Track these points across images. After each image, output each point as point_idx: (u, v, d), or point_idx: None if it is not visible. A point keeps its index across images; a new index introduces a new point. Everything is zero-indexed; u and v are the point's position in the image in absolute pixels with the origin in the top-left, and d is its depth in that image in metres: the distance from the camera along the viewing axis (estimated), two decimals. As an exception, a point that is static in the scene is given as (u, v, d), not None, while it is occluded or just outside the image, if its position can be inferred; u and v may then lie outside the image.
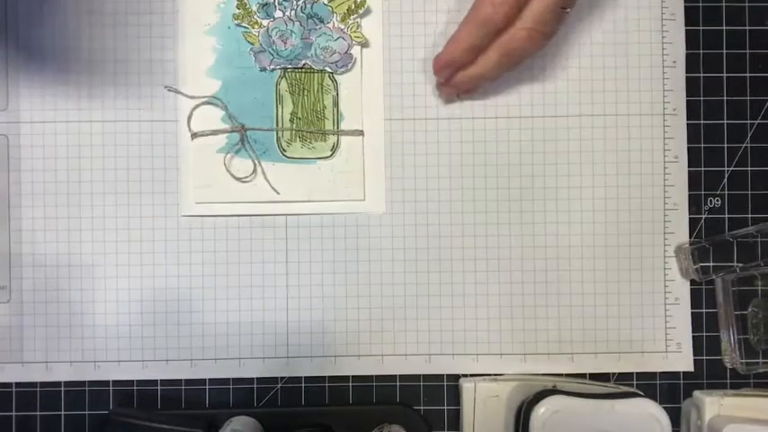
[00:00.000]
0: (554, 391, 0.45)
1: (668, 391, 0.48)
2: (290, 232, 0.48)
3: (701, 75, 0.49)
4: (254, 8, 0.48)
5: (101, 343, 0.48)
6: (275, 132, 0.48)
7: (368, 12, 0.48)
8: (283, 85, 0.48)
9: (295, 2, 0.48)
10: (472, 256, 0.48)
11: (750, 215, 0.49)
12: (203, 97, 0.48)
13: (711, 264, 0.48)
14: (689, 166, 0.49)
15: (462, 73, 0.46)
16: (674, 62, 0.49)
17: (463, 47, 0.44)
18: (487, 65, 0.45)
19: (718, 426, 0.45)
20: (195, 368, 0.48)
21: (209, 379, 0.48)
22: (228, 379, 0.48)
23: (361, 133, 0.48)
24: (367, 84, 0.49)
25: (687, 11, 0.49)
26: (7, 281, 0.48)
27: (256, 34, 0.48)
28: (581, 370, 0.48)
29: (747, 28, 0.49)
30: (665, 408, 0.45)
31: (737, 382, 0.48)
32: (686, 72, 0.49)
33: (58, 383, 0.48)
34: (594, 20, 0.49)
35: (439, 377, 0.48)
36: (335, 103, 0.48)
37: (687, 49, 0.49)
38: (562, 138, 0.49)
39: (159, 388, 0.48)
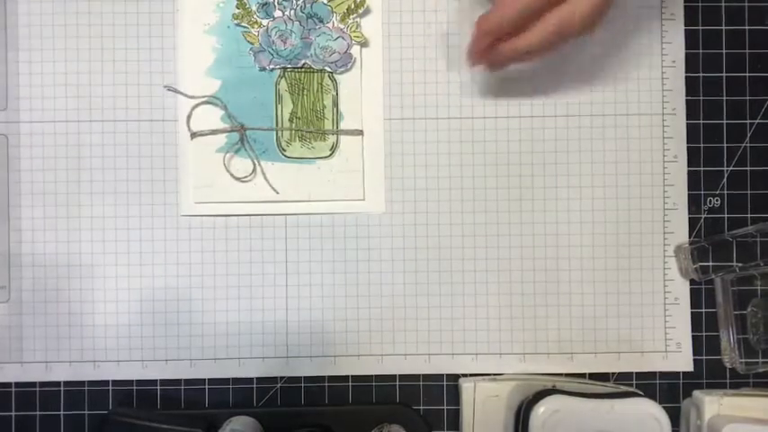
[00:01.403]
0: (553, 391, 0.45)
1: (668, 390, 0.48)
2: (289, 232, 0.48)
3: (701, 74, 0.49)
4: (254, 8, 0.48)
5: (100, 343, 0.48)
6: (275, 132, 0.48)
7: (367, 11, 0.48)
8: (283, 84, 0.48)
9: (294, 1, 0.48)
10: (472, 256, 0.48)
11: (749, 215, 0.49)
12: (203, 97, 0.48)
13: (711, 263, 0.48)
14: (688, 166, 0.49)
15: (507, 45, 0.41)
16: (674, 62, 0.49)
17: (519, 8, 0.39)
18: (537, 38, 0.40)
19: (717, 425, 0.45)
20: (195, 368, 0.48)
21: (209, 379, 0.48)
22: (228, 379, 0.48)
23: (360, 133, 0.48)
24: (366, 84, 0.49)
25: (686, 11, 0.49)
26: (7, 280, 0.48)
27: (256, 34, 0.48)
28: (580, 369, 0.48)
29: (747, 28, 0.49)
30: (664, 407, 0.45)
31: (737, 381, 0.48)
32: (685, 72, 0.49)
33: (57, 383, 0.48)
34: (594, 20, 0.49)
35: (438, 377, 0.48)
36: (335, 103, 0.48)
37: (686, 48, 0.49)
38: (562, 138, 0.49)
39: (159, 388, 0.48)
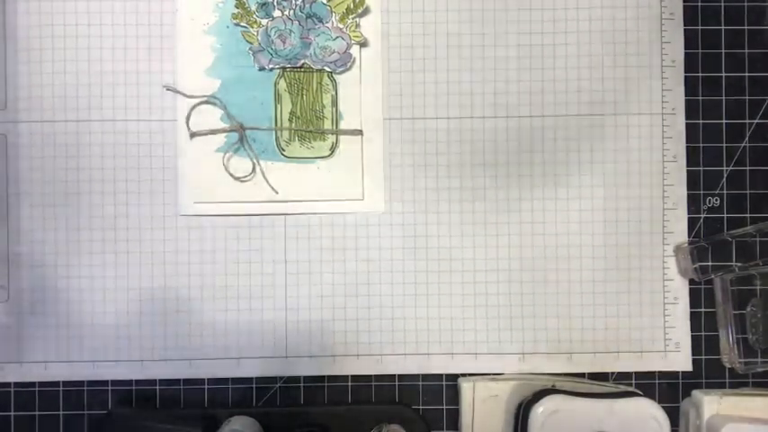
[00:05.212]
0: (553, 391, 0.45)
1: (667, 390, 0.48)
2: (288, 232, 0.48)
3: (700, 74, 0.49)
4: (253, 7, 0.48)
5: (99, 342, 0.48)
6: (274, 132, 0.48)
7: (366, 11, 0.48)
8: (282, 84, 0.48)
9: (294, 1, 0.48)
10: (471, 256, 0.48)
11: (749, 215, 0.49)
12: (202, 96, 0.48)
13: (710, 263, 0.48)
14: (688, 166, 0.49)
15: None
16: (673, 62, 0.49)
17: None
18: None
19: (716, 425, 0.45)
20: (194, 368, 0.48)
21: (208, 378, 0.48)
22: (227, 378, 0.48)
23: (359, 133, 0.49)
24: (366, 83, 0.49)
25: (686, 10, 0.49)
26: (6, 280, 0.48)
27: (255, 33, 0.48)
28: (580, 369, 0.48)
29: (746, 28, 0.49)
30: (663, 407, 0.45)
31: (736, 381, 0.48)
32: (685, 72, 0.49)
33: (56, 383, 0.48)
34: (594, 20, 0.49)
35: (438, 377, 0.48)
36: (334, 103, 0.48)
37: (686, 48, 0.49)
38: (562, 138, 0.49)
39: (158, 387, 0.48)
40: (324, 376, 0.48)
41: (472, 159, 0.49)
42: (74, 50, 0.48)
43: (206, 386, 0.48)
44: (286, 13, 0.48)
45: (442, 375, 0.48)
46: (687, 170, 0.49)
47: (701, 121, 0.49)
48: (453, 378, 0.48)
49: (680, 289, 0.49)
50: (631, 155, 0.49)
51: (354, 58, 0.48)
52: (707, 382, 0.48)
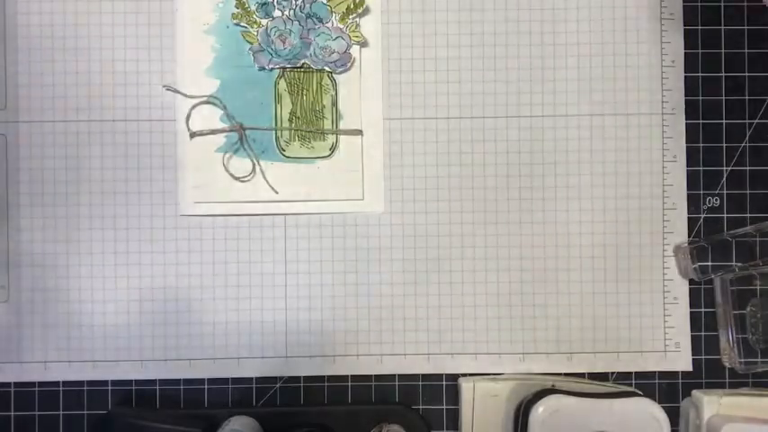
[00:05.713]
0: (553, 391, 0.45)
1: (667, 390, 0.48)
2: (288, 232, 0.48)
3: (700, 74, 0.49)
4: (253, 7, 0.48)
5: (99, 342, 0.48)
6: (274, 132, 0.48)
7: (367, 11, 0.48)
8: (282, 84, 0.48)
9: (294, 1, 0.48)
10: (471, 256, 0.48)
11: (749, 214, 0.49)
12: (202, 97, 0.48)
13: (710, 263, 0.48)
14: (687, 166, 0.49)
15: None
16: (673, 61, 0.49)
17: None
18: None
19: (716, 425, 0.45)
20: (194, 368, 0.48)
21: (208, 378, 0.48)
22: (227, 378, 0.48)
23: (359, 133, 0.49)
24: (366, 83, 0.49)
25: (686, 10, 0.49)
26: (6, 280, 0.48)
27: (255, 33, 0.48)
28: (580, 369, 0.48)
29: (746, 27, 0.49)
30: (663, 407, 0.45)
31: (736, 381, 0.48)
32: (685, 71, 0.49)
33: (56, 383, 0.48)
34: (594, 19, 0.49)
35: (438, 377, 0.48)
36: (334, 103, 0.48)
37: (686, 48, 0.49)
38: (561, 138, 0.49)
39: (158, 387, 0.48)
40: (324, 376, 0.48)
41: (472, 159, 0.49)
42: (74, 50, 0.48)
43: (206, 386, 0.48)
44: (286, 13, 0.48)
45: (442, 375, 0.48)
46: (687, 170, 0.49)
47: (700, 121, 0.49)
48: (453, 378, 0.48)
49: (680, 289, 0.49)
50: (631, 155, 0.49)
51: (354, 58, 0.48)
52: (707, 382, 0.48)
